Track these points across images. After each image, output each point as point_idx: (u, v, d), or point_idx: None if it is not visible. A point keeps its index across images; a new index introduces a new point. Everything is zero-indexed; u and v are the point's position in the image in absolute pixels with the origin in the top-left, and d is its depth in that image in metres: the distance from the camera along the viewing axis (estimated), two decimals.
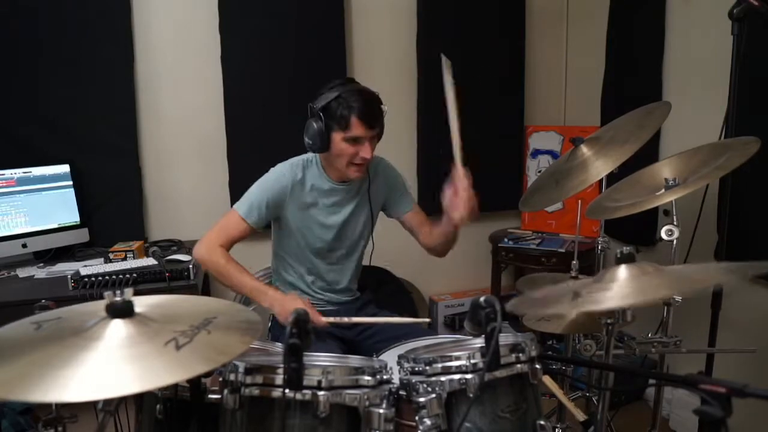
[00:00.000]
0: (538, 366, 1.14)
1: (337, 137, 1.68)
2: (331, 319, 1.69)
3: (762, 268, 0.98)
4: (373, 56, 3.03)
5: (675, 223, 1.69)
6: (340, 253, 1.89)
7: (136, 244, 2.49)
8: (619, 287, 1.07)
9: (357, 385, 1.07)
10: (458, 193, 1.63)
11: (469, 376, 1.08)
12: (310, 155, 1.84)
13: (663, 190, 1.65)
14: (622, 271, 1.10)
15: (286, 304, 1.64)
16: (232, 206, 2.80)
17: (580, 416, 1.61)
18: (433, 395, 1.07)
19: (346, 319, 1.74)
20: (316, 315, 1.63)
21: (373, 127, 1.69)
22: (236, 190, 2.83)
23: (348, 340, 1.85)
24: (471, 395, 1.06)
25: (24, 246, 2.49)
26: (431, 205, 3.17)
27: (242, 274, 1.73)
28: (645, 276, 1.08)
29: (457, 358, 1.10)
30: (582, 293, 1.08)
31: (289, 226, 1.83)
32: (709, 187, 1.82)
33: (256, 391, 1.04)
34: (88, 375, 0.78)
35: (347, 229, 1.87)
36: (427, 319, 1.74)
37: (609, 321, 1.34)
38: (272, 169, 1.82)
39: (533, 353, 1.14)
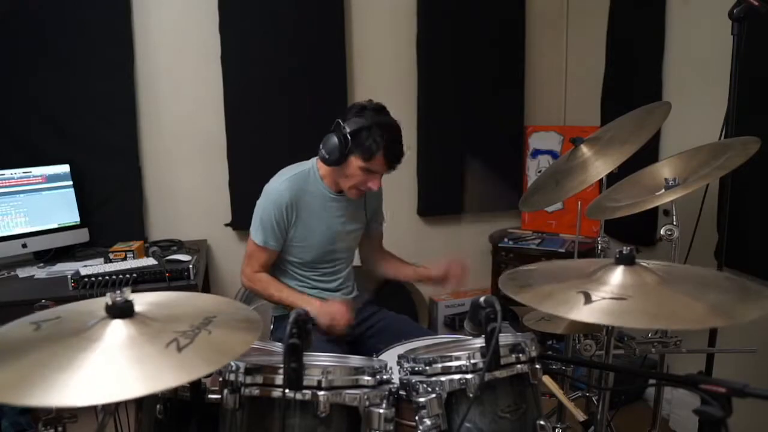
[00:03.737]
0: (538, 366, 1.14)
1: (355, 162, 1.69)
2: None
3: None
4: (373, 56, 3.03)
5: (675, 223, 1.69)
6: (337, 257, 1.91)
7: (136, 244, 2.48)
8: (643, 304, 1.03)
9: (357, 385, 1.07)
10: (457, 278, 1.81)
11: (469, 376, 1.08)
12: (306, 165, 1.85)
13: (663, 190, 1.65)
14: (623, 276, 1.10)
15: (324, 306, 1.72)
16: (231, 207, 2.85)
17: (580, 416, 1.61)
18: (433, 395, 1.07)
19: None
20: (348, 313, 1.69)
21: (393, 169, 1.73)
22: (236, 190, 2.84)
23: (348, 340, 1.85)
24: (471, 395, 1.06)
25: (24, 246, 2.49)
26: (431, 204, 3.20)
27: (282, 289, 1.84)
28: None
29: (457, 358, 1.10)
30: (592, 297, 1.04)
31: (291, 237, 1.84)
32: (709, 187, 1.82)
33: (256, 391, 1.04)
34: (89, 378, 0.77)
35: (343, 235, 1.88)
36: None
37: None
38: (266, 189, 1.82)
39: (533, 353, 1.14)
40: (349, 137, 1.65)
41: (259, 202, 1.82)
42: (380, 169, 1.71)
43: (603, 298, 1.04)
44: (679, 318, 1.01)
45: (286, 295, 1.82)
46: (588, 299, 1.03)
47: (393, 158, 1.70)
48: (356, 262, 2.07)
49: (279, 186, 1.79)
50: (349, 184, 1.75)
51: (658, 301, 1.04)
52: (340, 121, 1.69)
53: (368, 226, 1.99)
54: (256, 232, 1.81)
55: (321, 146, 1.72)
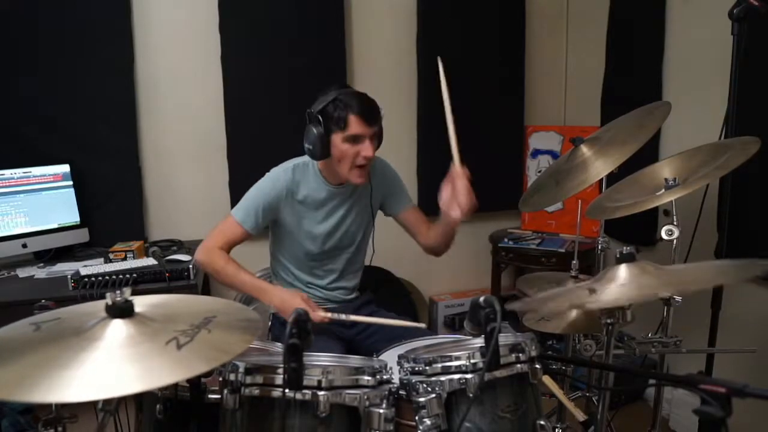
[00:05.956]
0: (538, 366, 1.14)
1: (336, 139, 1.67)
2: (330, 315, 1.66)
3: (762, 267, 0.99)
4: (373, 56, 3.03)
5: (675, 222, 1.69)
6: (337, 254, 1.89)
7: (136, 244, 2.49)
8: (636, 285, 1.08)
9: (357, 385, 1.07)
10: (457, 191, 1.61)
11: (469, 376, 1.08)
12: (306, 158, 1.84)
13: (663, 190, 1.65)
14: (627, 270, 1.12)
15: (288, 301, 1.66)
16: (231, 207, 2.84)
17: (580, 416, 1.61)
18: (433, 395, 1.07)
19: (344, 317, 1.70)
20: (317, 310, 1.65)
21: (372, 125, 1.68)
22: (236, 190, 2.83)
23: (348, 340, 1.85)
24: (471, 395, 1.06)
25: (24, 246, 2.49)
26: (432, 205, 3.17)
27: (241, 272, 1.74)
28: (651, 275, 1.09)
29: (457, 358, 1.10)
30: (597, 289, 1.07)
31: (286, 229, 1.83)
32: (709, 187, 1.82)
33: (256, 391, 1.04)
34: (90, 375, 0.78)
35: (345, 231, 1.86)
36: (423, 325, 1.70)
37: (609, 321, 1.33)
38: (268, 174, 1.82)
39: (533, 353, 1.14)
40: (319, 117, 1.65)
41: (256, 183, 1.81)
42: (361, 131, 1.65)
43: (607, 289, 1.09)
44: (688, 283, 1.10)
45: (246, 279, 1.72)
46: (594, 292, 1.08)
47: (368, 115, 1.65)
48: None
49: (277, 172, 1.80)
50: (346, 167, 1.71)
51: (665, 277, 1.10)
52: (308, 110, 1.69)
53: (394, 214, 1.95)
54: (238, 210, 1.79)
55: (304, 143, 1.70)
